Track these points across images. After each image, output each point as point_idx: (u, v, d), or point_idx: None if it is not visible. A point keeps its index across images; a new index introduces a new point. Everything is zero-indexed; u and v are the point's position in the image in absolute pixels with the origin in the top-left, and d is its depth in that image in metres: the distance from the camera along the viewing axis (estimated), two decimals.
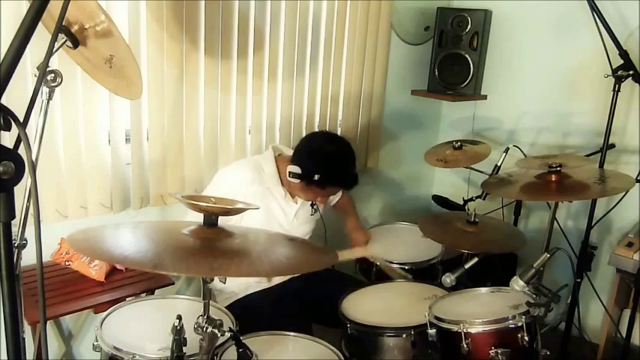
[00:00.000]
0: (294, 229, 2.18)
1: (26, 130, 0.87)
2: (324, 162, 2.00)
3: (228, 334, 1.36)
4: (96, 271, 2.00)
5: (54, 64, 1.76)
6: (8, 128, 0.83)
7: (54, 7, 1.06)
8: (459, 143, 2.68)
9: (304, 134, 2.64)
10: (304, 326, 1.86)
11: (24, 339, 1.39)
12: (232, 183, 2.07)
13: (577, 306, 2.59)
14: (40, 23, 0.84)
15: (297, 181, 2.01)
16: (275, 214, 2.13)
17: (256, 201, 1.96)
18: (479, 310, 1.74)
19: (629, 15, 2.64)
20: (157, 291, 2.04)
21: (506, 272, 2.34)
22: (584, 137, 2.90)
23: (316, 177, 1.97)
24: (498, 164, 2.59)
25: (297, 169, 2.00)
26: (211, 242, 1.24)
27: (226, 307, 1.81)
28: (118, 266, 2.09)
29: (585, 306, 2.91)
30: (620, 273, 2.45)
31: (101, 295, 1.94)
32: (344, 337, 1.91)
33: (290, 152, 2.15)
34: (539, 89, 3.08)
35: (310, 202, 2.19)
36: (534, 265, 1.79)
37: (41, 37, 1.11)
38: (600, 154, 2.43)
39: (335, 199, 2.44)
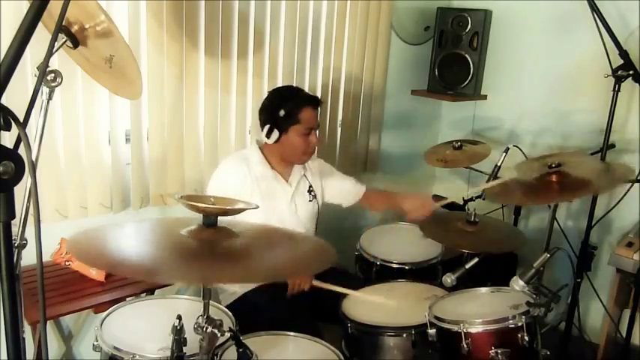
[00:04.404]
0: (292, 215, 2.19)
1: (26, 130, 0.87)
2: (277, 97, 2.09)
3: (228, 334, 1.36)
4: (96, 271, 2.01)
5: (54, 64, 1.76)
6: (8, 128, 0.83)
7: (54, 7, 1.05)
8: (459, 143, 2.68)
9: None
10: (307, 322, 1.86)
11: (24, 339, 1.39)
12: (226, 185, 2.07)
13: (577, 306, 2.59)
14: (40, 23, 0.84)
15: (275, 137, 2.04)
16: (272, 199, 2.14)
17: (254, 193, 2.06)
18: (479, 310, 1.73)
19: (629, 15, 2.64)
20: (157, 291, 2.04)
21: (506, 272, 2.34)
22: (585, 137, 2.90)
23: (282, 113, 2.02)
24: (498, 164, 2.59)
25: (266, 127, 2.05)
26: (211, 244, 1.23)
27: (228, 305, 1.81)
28: None
29: (585, 306, 2.91)
30: (620, 273, 2.45)
31: (101, 295, 1.94)
32: (344, 336, 1.91)
33: None
34: (539, 89, 3.07)
35: (307, 189, 2.22)
36: (534, 265, 1.79)
37: (41, 37, 1.11)
38: (600, 153, 2.43)
39: (345, 187, 2.40)
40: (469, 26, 2.99)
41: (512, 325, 1.62)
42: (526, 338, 1.60)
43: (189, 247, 1.22)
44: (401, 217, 2.78)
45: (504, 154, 2.59)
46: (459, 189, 3.37)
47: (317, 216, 2.30)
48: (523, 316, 1.62)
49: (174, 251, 1.21)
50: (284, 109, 2.03)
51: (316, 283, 2.01)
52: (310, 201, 2.25)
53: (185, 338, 1.36)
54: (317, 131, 2.13)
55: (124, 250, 1.26)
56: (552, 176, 1.97)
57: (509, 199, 2.16)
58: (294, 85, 2.59)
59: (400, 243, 2.52)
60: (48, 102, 1.41)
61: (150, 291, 2.02)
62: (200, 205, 1.24)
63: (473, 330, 1.63)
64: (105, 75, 1.60)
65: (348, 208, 2.66)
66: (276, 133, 2.05)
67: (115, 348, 1.53)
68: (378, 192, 2.50)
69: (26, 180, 0.91)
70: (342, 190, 2.40)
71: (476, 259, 2.00)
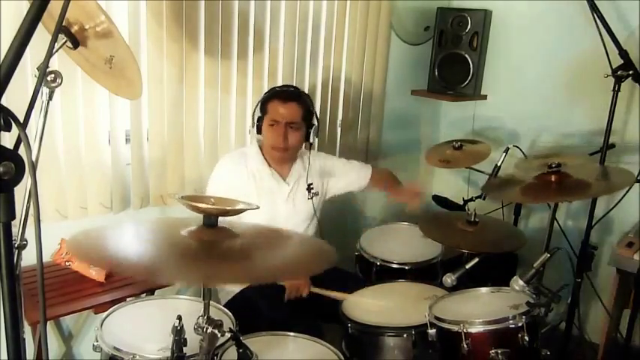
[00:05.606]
0: (290, 213, 2.20)
1: (26, 131, 0.87)
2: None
3: (228, 335, 1.36)
4: (96, 271, 2.01)
5: (54, 64, 1.76)
6: (8, 128, 0.83)
7: (54, 7, 1.05)
8: (459, 143, 2.68)
9: None
10: (307, 322, 1.87)
11: (24, 339, 1.39)
12: (222, 181, 2.12)
13: (577, 306, 2.58)
14: (40, 23, 0.84)
15: (255, 125, 2.15)
16: (269, 196, 2.16)
17: (250, 188, 2.12)
18: (479, 310, 1.74)
19: (629, 15, 2.64)
20: (156, 291, 2.04)
21: (506, 272, 2.34)
22: (585, 137, 2.90)
23: (258, 104, 2.17)
24: (498, 164, 2.59)
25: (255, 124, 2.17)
26: (211, 244, 1.23)
27: (227, 303, 1.80)
28: None
29: (585, 306, 2.91)
30: (620, 273, 2.45)
31: (101, 295, 1.94)
32: (344, 336, 1.91)
33: None
34: (539, 89, 3.07)
35: (307, 187, 2.22)
36: (534, 265, 1.79)
37: (41, 37, 1.10)
38: (600, 154, 2.43)
39: (350, 178, 2.43)
40: (469, 26, 2.99)
41: (513, 325, 1.62)
42: (526, 338, 1.60)
43: (190, 248, 1.22)
44: (401, 218, 2.79)
45: (504, 154, 2.59)
46: (459, 189, 3.37)
47: (316, 213, 2.30)
48: (523, 316, 1.62)
49: (174, 251, 1.21)
50: (261, 100, 2.17)
51: (315, 290, 2.03)
52: (309, 199, 2.25)
53: (185, 339, 1.36)
54: (291, 130, 2.12)
55: (124, 250, 1.26)
56: (551, 176, 1.98)
57: (508, 196, 2.16)
58: (294, 84, 2.60)
59: (400, 243, 2.52)
60: (48, 102, 1.41)
61: (150, 291, 2.02)
62: (200, 205, 1.24)
63: (473, 330, 1.63)
64: (105, 75, 1.60)
65: (348, 208, 2.67)
66: (254, 122, 2.16)
67: (115, 348, 1.53)
68: (383, 176, 2.55)
69: (26, 180, 0.90)
70: (348, 182, 2.43)
71: (476, 259, 2.00)
